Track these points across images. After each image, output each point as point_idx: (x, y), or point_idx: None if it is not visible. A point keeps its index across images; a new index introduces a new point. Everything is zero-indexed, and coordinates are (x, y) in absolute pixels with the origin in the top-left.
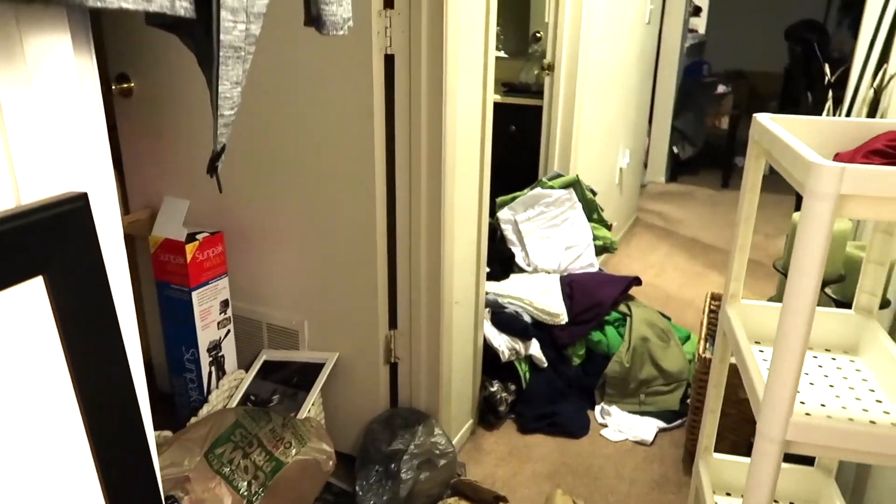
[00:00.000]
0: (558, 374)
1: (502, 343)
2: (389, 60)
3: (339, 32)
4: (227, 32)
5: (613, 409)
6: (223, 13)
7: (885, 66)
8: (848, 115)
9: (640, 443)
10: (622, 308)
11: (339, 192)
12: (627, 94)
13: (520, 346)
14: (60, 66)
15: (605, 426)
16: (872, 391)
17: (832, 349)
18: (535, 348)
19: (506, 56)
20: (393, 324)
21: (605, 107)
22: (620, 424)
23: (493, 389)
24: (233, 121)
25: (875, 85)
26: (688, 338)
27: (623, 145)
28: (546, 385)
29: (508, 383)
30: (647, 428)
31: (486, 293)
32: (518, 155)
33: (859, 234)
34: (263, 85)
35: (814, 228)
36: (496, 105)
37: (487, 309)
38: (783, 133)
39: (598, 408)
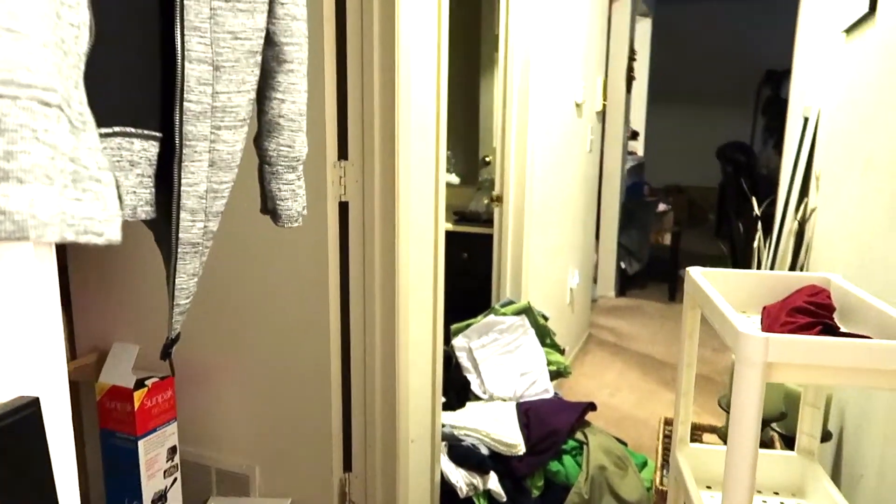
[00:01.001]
0: None
1: (460, 478)
2: (344, 207)
3: (293, 224)
4: (186, 231)
5: None
6: (183, 214)
7: (805, 199)
8: (777, 244)
9: None
10: (579, 435)
11: (293, 333)
12: (574, 217)
13: (478, 480)
14: (19, 265)
15: None
16: None
17: (781, 492)
18: (493, 482)
19: (457, 182)
20: (348, 466)
21: (554, 232)
22: None
23: None
24: (188, 309)
25: (798, 217)
26: (644, 464)
27: (572, 266)
28: None
29: None
30: None
31: (443, 425)
32: (471, 282)
33: None
34: (217, 230)
35: (747, 391)
36: (448, 233)
37: (444, 442)
38: (714, 294)
39: None
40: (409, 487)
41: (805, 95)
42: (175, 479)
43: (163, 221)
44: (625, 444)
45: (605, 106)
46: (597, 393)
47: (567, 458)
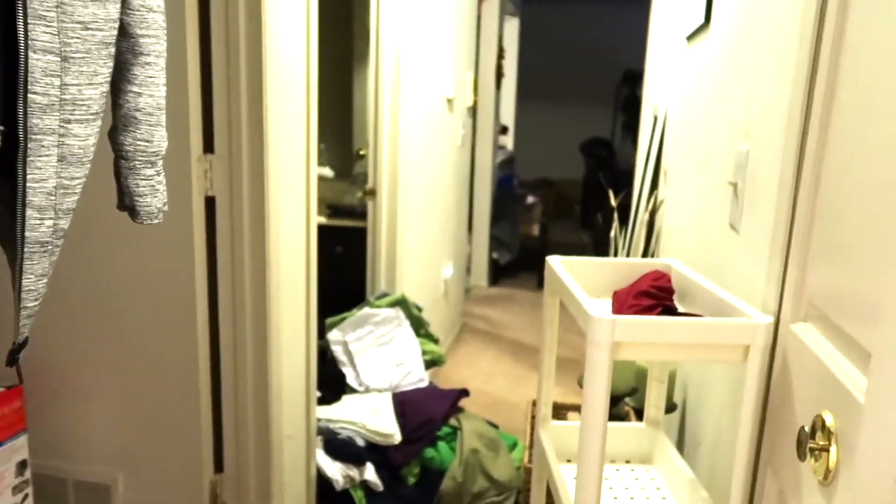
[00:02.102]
0: (394, 496)
1: (336, 471)
2: (211, 202)
3: (153, 221)
4: (34, 230)
5: None
6: (29, 212)
7: (655, 192)
8: (632, 234)
9: None
10: (453, 421)
11: (158, 333)
12: (447, 209)
13: (354, 472)
14: None
15: None
16: (665, 499)
17: (632, 460)
18: (369, 472)
19: (331, 176)
20: (219, 467)
21: (427, 224)
22: None
23: None
24: (36, 311)
25: (649, 209)
26: (515, 445)
27: (446, 257)
28: None
29: None
30: None
31: (318, 419)
32: (346, 276)
33: None
34: (70, 226)
35: (596, 369)
36: (322, 227)
37: (320, 437)
38: (569, 281)
39: None
40: (283, 484)
41: (655, 95)
42: (26, 496)
43: (8, 219)
44: (496, 427)
45: (475, 102)
46: (471, 380)
47: (442, 445)
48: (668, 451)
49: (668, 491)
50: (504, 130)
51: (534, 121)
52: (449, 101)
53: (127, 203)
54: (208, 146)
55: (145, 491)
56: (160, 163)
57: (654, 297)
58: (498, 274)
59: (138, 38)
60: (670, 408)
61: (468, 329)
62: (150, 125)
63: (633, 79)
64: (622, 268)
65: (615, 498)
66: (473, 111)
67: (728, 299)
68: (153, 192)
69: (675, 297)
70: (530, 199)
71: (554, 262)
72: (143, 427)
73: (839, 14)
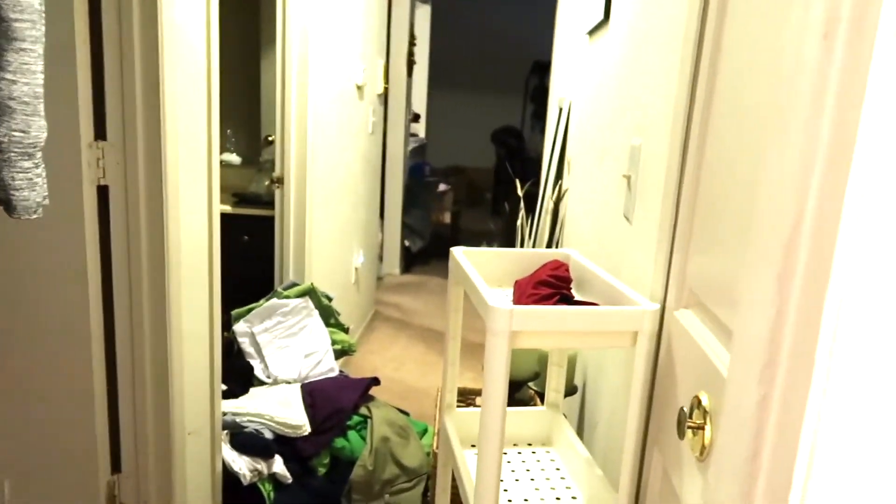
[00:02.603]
0: (304, 488)
1: (243, 465)
2: (103, 191)
3: (31, 216)
4: None
5: None
6: None
7: (560, 181)
8: (538, 223)
9: None
10: (363, 410)
11: (48, 331)
12: (358, 197)
13: (262, 465)
14: None
15: None
16: (564, 480)
17: (533, 443)
18: (278, 465)
19: (238, 162)
20: (117, 467)
21: (337, 213)
22: None
23: None
24: None
25: (554, 198)
26: (425, 431)
27: (357, 245)
28: (291, 501)
29: None
30: None
31: (224, 414)
32: (253, 266)
33: None
34: None
35: (495, 357)
36: (228, 216)
37: (225, 431)
38: (471, 271)
39: None
40: (187, 481)
41: (561, 87)
42: None
43: None
44: (407, 414)
45: (386, 89)
46: (382, 368)
47: (352, 434)
48: (567, 433)
49: (567, 471)
50: (416, 118)
51: (446, 109)
52: (359, 87)
53: (1, 197)
54: (100, 133)
55: (35, 496)
56: (39, 154)
57: (552, 286)
58: (410, 261)
59: (11, 22)
60: (571, 391)
61: (380, 317)
62: (27, 114)
63: (542, 69)
64: (523, 257)
65: (517, 480)
66: (385, 98)
67: (620, 288)
68: (31, 185)
69: (572, 285)
70: (442, 187)
71: (457, 252)
72: (32, 429)
73: (718, 19)
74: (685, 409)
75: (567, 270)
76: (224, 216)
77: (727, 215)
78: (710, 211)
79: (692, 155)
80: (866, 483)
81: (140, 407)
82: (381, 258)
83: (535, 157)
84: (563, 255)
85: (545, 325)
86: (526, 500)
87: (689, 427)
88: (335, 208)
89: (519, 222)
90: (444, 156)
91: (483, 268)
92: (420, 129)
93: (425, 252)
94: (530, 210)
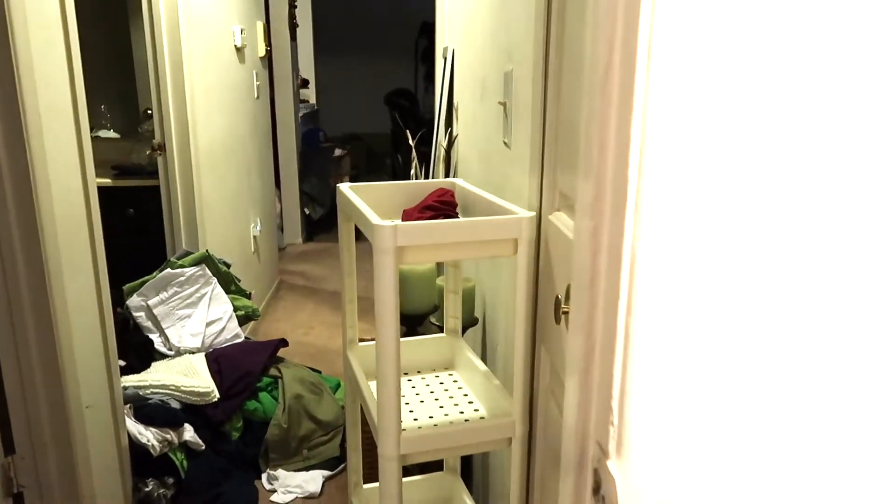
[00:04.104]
0: (218, 453)
1: (151, 437)
2: None
3: None
4: None
5: (279, 472)
6: None
7: (450, 128)
8: (430, 170)
9: (310, 496)
10: (273, 372)
11: None
12: (248, 165)
13: (171, 435)
14: None
15: (274, 491)
16: (466, 396)
17: (437, 369)
18: (189, 433)
19: (116, 136)
20: (10, 449)
21: (227, 180)
22: (288, 485)
23: (147, 489)
24: None
25: (445, 145)
26: (338, 386)
27: (253, 214)
28: (207, 468)
29: (166, 478)
30: (313, 481)
31: (125, 388)
32: (142, 238)
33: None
34: None
35: (384, 275)
36: (109, 189)
37: (129, 405)
38: (357, 200)
39: (264, 475)
40: (90, 458)
41: (444, 37)
42: None
43: None
44: (319, 371)
45: (269, 52)
46: (292, 333)
47: (263, 395)
48: (468, 354)
49: (469, 389)
50: (305, 84)
51: (336, 74)
52: (238, 49)
53: None
54: None
55: None
56: None
57: (437, 209)
58: (312, 229)
59: None
60: (472, 322)
61: (285, 286)
62: None
63: (430, 30)
64: (411, 189)
65: (422, 402)
66: (269, 63)
67: (501, 204)
68: None
69: (459, 210)
70: (338, 153)
71: (344, 188)
72: None
73: None
74: (560, 296)
75: (453, 196)
76: (105, 190)
77: (576, 126)
78: (570, 127)
79: (552, 80)
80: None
81: (29, 384)
82: (281, 228)
83: (430, 118)
84: (448, 183)
85: (428, 239)
86: (431, 416)
87: (563, 312)
88: (224, 174)
89: (412, 172)
90: (340, 122)
91: (372, 201)
92: (310, 94)
93: (327, 219)
94: (426, 162)
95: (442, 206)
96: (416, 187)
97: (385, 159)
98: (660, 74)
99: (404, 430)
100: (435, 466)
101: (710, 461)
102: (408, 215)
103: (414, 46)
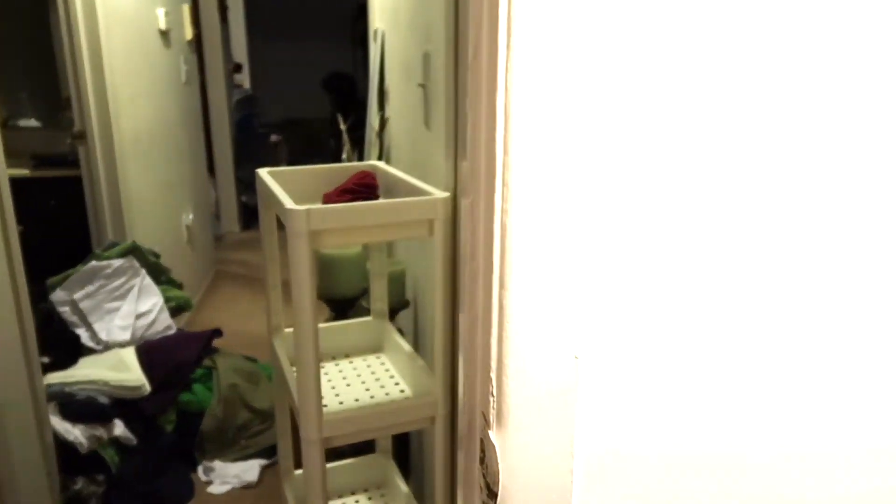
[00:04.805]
0: (152, 447)
1: (78, 434)
2: None
3: None
4: None
5: (216, 462)
6: None
7: (381, 112)
8: (362, 154)
9: (248, 486)
10: (207, 362)
11: None
12: (179, 152)
13: (101, 431)
14: None
15: (211, 482)
16: (392, 378)
17: (364, 352)
18: (119, 428)
19: (38, 125)
20: None
21: (155, 168)
22: (225, 475)
23: (77, 488)
24: None
25: (377, 128)
26: None
27: (185, 202)
28: (140, 463)
29: (96, 475)
30: (250, 470)
31: (50, 385)
32: (65, 230)
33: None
34: None
35: (299, 259)
36: (27, 181)
37: (54, 402)
38: (273, 185)
39: (200, 467)
40: (12, 458)
41: (375, 19)
42: None
43: None
44: (255, 360)
45: (198, 36)
46: (230, 322)
47: (198, 387)
48: (394, 337)
49: (395, 371)
50: (238, 68)
51: (271, 58)
52: (163, 33)
53: None
54: None
55: None
56: None
57: (356, 192)
58: (249, 217)
59: None
60: (403, 305)
61: (223, 275)
62: None
63: (366, 12)
64: (331, 172)
65: (348, 385)
66: (198, 47)
67: (420, 186)
68: None
69: (381, 192)
70: (274, 138)
71: (263, 173)
72: None
73: None
74: None
75: (373, 179)
76: (24, 181)
77: None
78: None
79: (462, 61)
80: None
81: None
82: (217, 217)
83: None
84: (370, 166)
85: (343, 222)
86: (357, 399)
87: None
88: (152, 162)
89: (344, 156)
90: (277, 107)
91: (292, 186)
92: (245, 79)
93: None
94: (359, 146)
95: (361, 189)
96: (339, 171)
97: (325, 143)
98: (520, 56)
99: (330, 412)
100: (369, 449)
101: (582, 428)
102: (328, 199)
103: (351, 28)
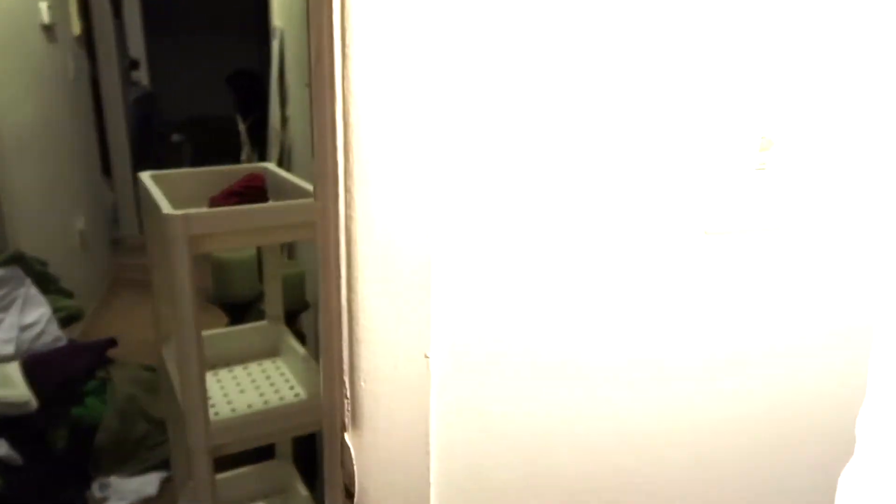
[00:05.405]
0: (41, 466)
1: None
2: None
3: None
4: None
5: (113, 478)
6: None
7: (284, 109)
8: (264, 154)
9: (147, 500)
10: (101, 374)
11: None
12: (69, 153)
13: None
14: None
15: (106, 499)
16: (288, 382)
17: (260, 357)
18: (3, 448)
19: None
20: None
21: (40, 171)
22: (122, 491)
23: None
24: None
25: (280, 126)
26: None
27: (77, 206)
28: (27, 483)
29: None
30: (149, 484)
31: None
32: None
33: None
34: None
35: (179, 267)
36: None
37: None
38: (153, 189)
39: (96, 484)
40: None
41: (276, 17)
42: None
43: None
44: (154, 369)
45: (89, 31)
46: (130, 331)
47: (91, 399)
48: (290, 341)
49: (291, 375)
50: (135, 65)
51: (174, 54)
52: (46, 28)
53: None
54: None
55: None
56: None
57: (243, 195)
58: None
59: None
60: (304, 306)
61: (122, 281)
62: None
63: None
64: (219, 175)
65: (242, 392)
66: (89, 43)
67: (308, 188)
68: None
69: (270, 195)
70: (176, 138)
71: (144, 177)
72: None
73: None
74: None
75: (262, 181)
76: None
77: None
78: None
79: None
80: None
81: None
82: (115, 220)
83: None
84: (258, 168)
85: (223, 227)
86: (250, 405)
87: None
88: (37, 165)
89: (244, 156)
90: (180, 106)
91: (177, 190)
92: (143, 76)
93: None
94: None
95: (248, 191)
96: (225, 174)
97: (232, 142)
98: (357, 59)
99: (217, 420)
100: (270, 455)
101: (437, 426)
102: (214, 202)
103: (257, 23)
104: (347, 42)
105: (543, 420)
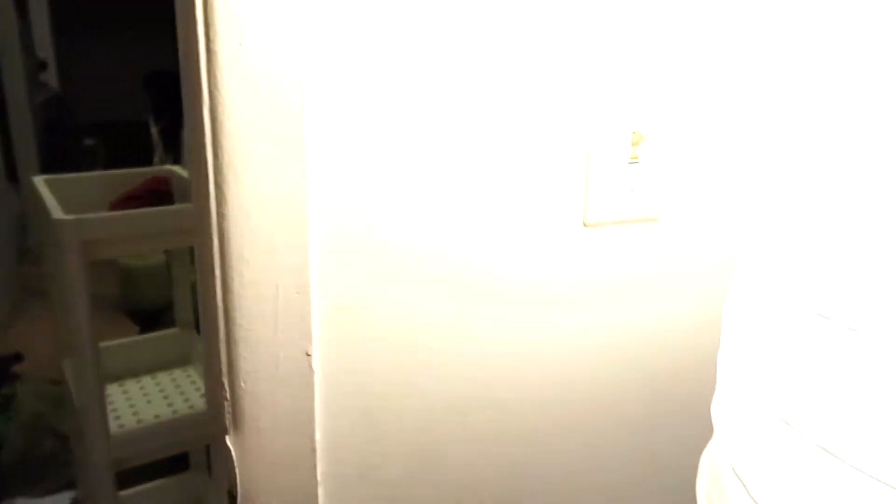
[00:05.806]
0: None
1: None
2: None
3: None
4: None
5: (19, 500)
6: None
7: None
8: (179, 157)
9: None
10: (5, 390)
11: None
12: None
13: None
14: None
15: None
16: (199, 389)
17: (170, 366)
18: None
19: None
20: None
21: None
22: None
23: None
24: None
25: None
26: None
27: None
28: None
29: None
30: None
31: None
32: None
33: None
34: None
35: (69, 273)
36: None
37: None
38: (45, 194)
39: None
40: None
41: None
42: None
43: None
44: (61, 383)
45: None
46: (39, 345)
47: None
48: (200, 348)
49: (202, 382)
50: (44, 66)
51: (86, 55)
52: None
53: None
54: None
55: None
56: None
57: (143, 199)
58: None
59: None
60: None
61: (32, 292)
62: None
63: None
64: (122, 179)
65: (149, 402)
66: None
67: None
68: None
69: (176, 198)
70: (88, 142)
71: (38, 181)
72: None
73: None
74: None
75: (167, 184)
76: None
77: None
78: None
79: None
80: None
81: None
82: (23, 227)
83: None
84: (165, 170)
85: (118, 231)
86: (157, 416)
87: None
88: None
89: (156, 160)
90: (94, 109)
91: (77, 196)
92: (52, 78)
93: None
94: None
95: (151, 195)
96: (127, 177)
97: (153, 146)
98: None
99: (117, 433)
100: (186, 467)
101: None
102: (113, 207)
103: (173, 20)
104: (213, 40)
105: (427, 410)
